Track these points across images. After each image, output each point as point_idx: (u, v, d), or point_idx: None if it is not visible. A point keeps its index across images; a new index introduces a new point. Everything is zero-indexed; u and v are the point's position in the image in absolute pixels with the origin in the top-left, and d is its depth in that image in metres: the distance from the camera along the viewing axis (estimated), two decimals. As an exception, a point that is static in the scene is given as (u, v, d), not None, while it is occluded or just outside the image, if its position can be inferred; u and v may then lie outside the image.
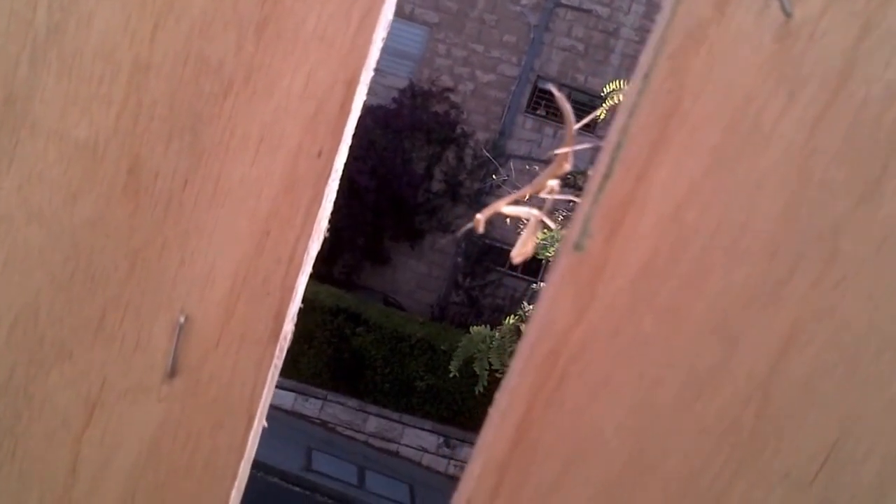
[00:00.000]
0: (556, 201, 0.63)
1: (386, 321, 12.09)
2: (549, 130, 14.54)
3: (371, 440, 11.92)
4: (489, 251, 13.85)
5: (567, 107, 0.60)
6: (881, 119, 0.48)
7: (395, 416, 11.97)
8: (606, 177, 0.49)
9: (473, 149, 14.43)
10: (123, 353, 0.57)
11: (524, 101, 14.79)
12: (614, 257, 0.50)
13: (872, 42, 0.47)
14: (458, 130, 14.48)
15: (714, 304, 0.50)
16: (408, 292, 14.64)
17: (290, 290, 0.56)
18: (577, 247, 0.50)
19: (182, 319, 0.56)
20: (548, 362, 0.51)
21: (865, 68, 0.47)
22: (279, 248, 0.56)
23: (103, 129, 0.55)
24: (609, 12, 14.67)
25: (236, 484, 0.59)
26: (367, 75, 0.55)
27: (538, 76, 14.83)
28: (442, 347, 11.28)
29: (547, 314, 0.51)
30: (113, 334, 0.57)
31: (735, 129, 0.49)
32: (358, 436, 11.89)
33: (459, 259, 14.32)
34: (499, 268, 14.09)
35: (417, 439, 11.88)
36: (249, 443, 0.59)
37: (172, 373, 0.57)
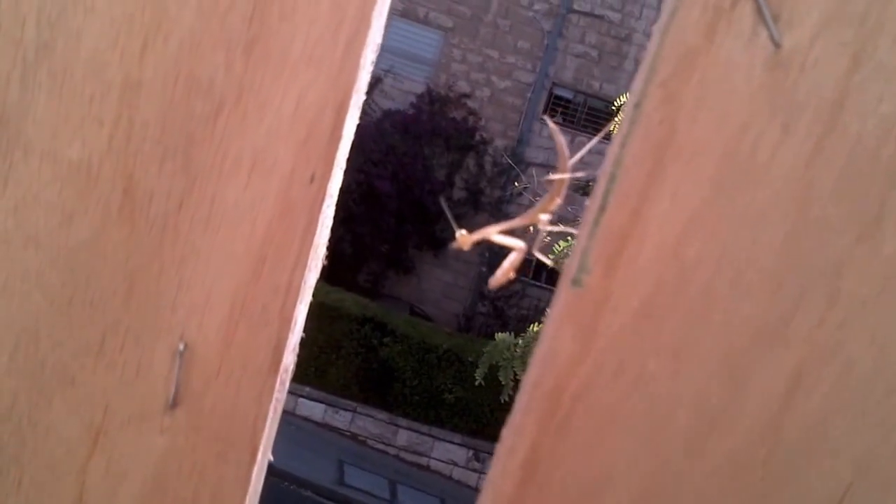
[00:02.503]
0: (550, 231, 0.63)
1: (413, 332, 12.08)
2: (566, 138, 14.51)
3: (402, 454, 11.94)
4: (513, 261, 13.80)
5: (561, 139, 0.60)
6: (877, 154, 0.46)
7: (425, 429, 11.97)
8: (602, 209, 0.48)
9: (493, 156, 14.43)
10: (125, 379, 0.57)
11: (540, 108, 14.77)
12: (615, 293, 0.49)
13: (865, 74, 0.46)
14: (477, 137, 14.49)
15: (719, 342, 0.49)
16: (434, 301, 14.66)
17: (289, 319, 0.55)
18: (575, 283, 0.49)
19: (182, 346, 0.56)
20: (552, 400, 0.51)
21: (859, 101, 0.46)
22: (276, 275, 0.55)
23: (96, 149, 0.54)
24: (621, 17, 14.65)
25: None
26: (357, 98, 0.54)
27: (553, 83, 14.83)
28: (469, 359, 11.28)
29: (549, 351, 0.50)
30: (114, 360, 0.56)
31: (731, 160, 0.48)
32: (389, 449, 11.91)
33: (483, 269, 14.31)
34: (523, 278, 14.06)
35: (447, 453, 11.88)
36: (254, 477, 0.58)
37: (174, 402, 0.56)
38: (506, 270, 0.63)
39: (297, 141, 0.53)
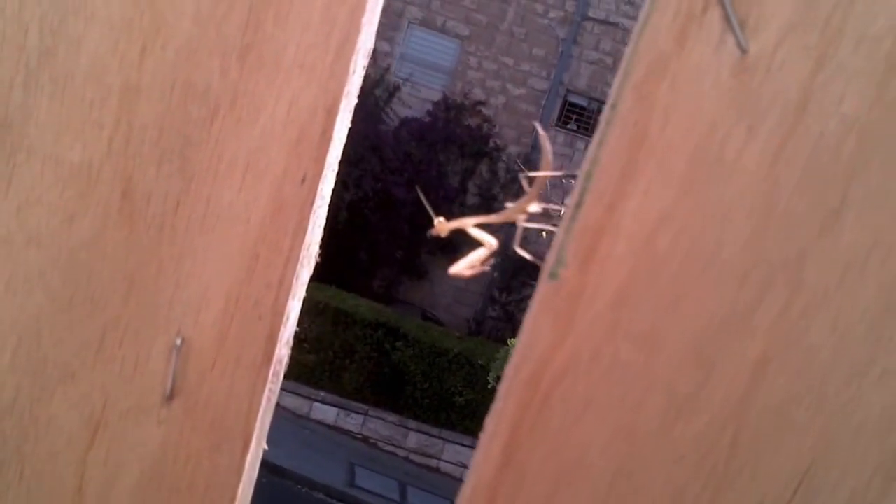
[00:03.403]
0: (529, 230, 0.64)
1: (424, 336, 12.05)
2: (580, 145, 14.40)
3: (412, 456, 11.88)
4: (524, 266, 13.75)
5: (547, 145, 0.61)
6: (838, 151, 0.48)
7: (436, 431, 11.91)
8: (578, 206, 0.50)
9: (506, 163, 14.40)
10: (124, 374, 0.58)
11: (555, 115, 14.72)
12: (590, 285, 0.51)
13: (826, 76, 0.48)
14: (491, 144, 14.45)
15: (688, 331, 0.51)
16: (445, 306, 14.62)
17: (281, 314, 0.57)
18: (552, 275, 0.51)
19: (179, 341, 0.57)
20: (531, 386, 0.52)
21: (821, 102, 0.48)
22: (269, 272, 0.56)
23: (96, 152, 0.55)
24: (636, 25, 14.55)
25: None
26: (347, 102, 0.56)
27: (568, 90, 14.77)
28: (480, 362, 11.25)
29: (528, 339, 0.52)
30: (113, 355, 0.58)
31: (700, 159, 0.49)
32: (399, 451, 11.86)
33: (495, 274, 14.27)
34: (534, 282, 13.93)
35: (457, 455, 11.81)
36: (247, 465, 0.59)
37: (171, 395, 0.58)
38: (471, 263, 0.65)
39: (289, 143, 0.55)
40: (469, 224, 0.65)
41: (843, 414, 0.50)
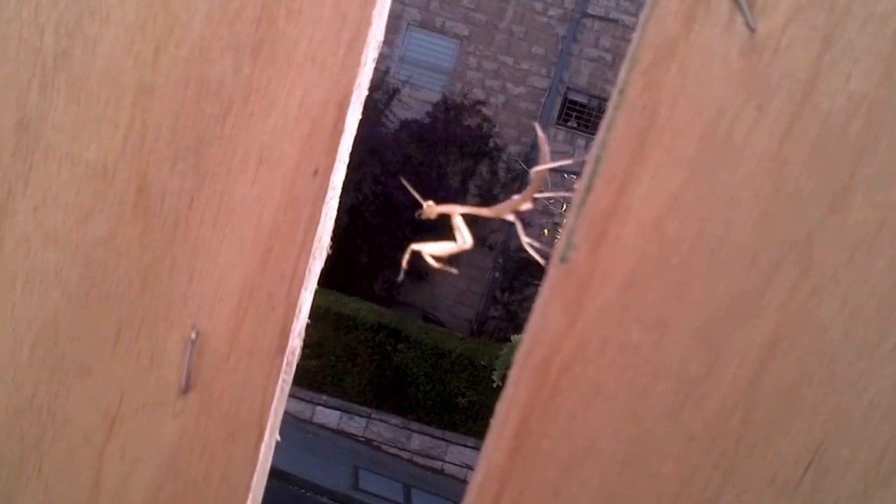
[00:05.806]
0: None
1: (426, 337, 12.02)
2: (580, 142, 14.37)
3: (416, 458, 11.85)
4: (526, 266, 13.76)
5: (546, 148, 0.62)
6: (846, 130, 0.49)
7: (439, 433, 11.87)
8: (588, 190, 0.51)
9: (506, 162, 14.38)
10: (139, 368, 0.59)
11: (555, 113, 14.68)
12: (600, 269, 0.51)
13: (834, 55, 0.48)
14: (491, 144, 14.43)
15: (698, 314, 0.51)
16: (447, 308, 14.59)
17: (294, 305, 0.58)
18: (563, 259, 0.51)
19: (193, 335, 0.58)
20: (541, 371, 0.53)
21: (829, 81, 0.48)
22: (282, 264, 0.57)
23: (112, 150, 0.56)
24: (635, 21, 14.49)
25: (251, 496, 0.60)
26: (358, 95, 0.56)
27: (568, 88, 14.74)
28: (482, 363, 11.23)
29: (539, 324, 0.53)
30: (129, 350, 0.59)
31: (709, 142, 0.50)
32: (403, 454, 11.83)
33: (497, 274, 14.24)
34: (536, 282, 13.92)
35: (461, 457, 11.77)
36: (262, 456, 0.60)
37: (186, 388, 0.58)
38: (439, 251, 0.65)
39: (301, 137, 0.55)
40: (457, 211, 0.65)
41: (854, 391, 0.50)
